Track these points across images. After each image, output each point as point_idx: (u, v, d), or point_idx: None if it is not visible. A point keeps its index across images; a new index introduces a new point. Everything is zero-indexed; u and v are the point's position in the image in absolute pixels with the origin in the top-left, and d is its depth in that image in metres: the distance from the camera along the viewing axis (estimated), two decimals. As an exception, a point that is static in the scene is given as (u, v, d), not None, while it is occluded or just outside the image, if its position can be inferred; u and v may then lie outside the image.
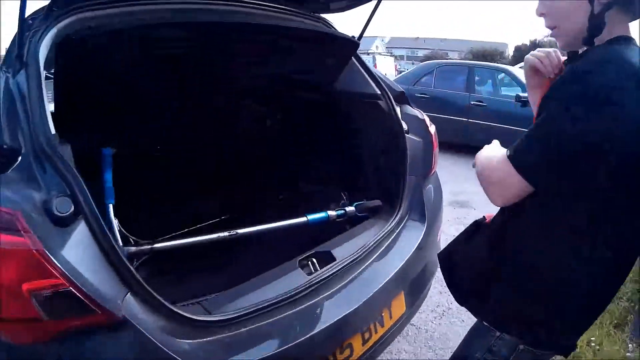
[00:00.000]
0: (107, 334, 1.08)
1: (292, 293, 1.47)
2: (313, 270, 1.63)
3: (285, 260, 1.68)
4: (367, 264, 1.70)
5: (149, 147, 2.41)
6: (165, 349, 1.13)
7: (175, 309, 1.23)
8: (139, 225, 1.89)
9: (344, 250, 1.72)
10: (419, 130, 2.15)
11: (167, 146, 2.46)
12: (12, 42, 1.53)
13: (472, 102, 7.12)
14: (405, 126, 2.07)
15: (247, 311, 1.36)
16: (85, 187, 1.11)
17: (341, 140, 2.49)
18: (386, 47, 54.22)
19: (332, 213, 2.13)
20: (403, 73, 10.46)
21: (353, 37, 2.18)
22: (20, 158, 1.11)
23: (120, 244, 1.78)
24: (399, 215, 1.92)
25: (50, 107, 1.29)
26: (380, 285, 1.62)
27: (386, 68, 16.34)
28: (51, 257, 0.97)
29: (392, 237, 1.86)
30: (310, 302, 1.49)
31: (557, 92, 0.93)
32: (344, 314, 1.48)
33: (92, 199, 1.11)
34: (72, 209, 1.05)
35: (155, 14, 1.62)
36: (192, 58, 1.98)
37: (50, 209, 1.02)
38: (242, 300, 1.43)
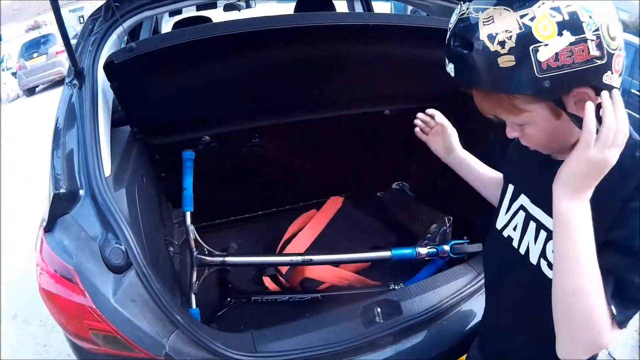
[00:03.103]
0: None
1: (340, 345, 1.67)
2: (376, 319, 1.78)
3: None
4: (434, 324, 1.82)
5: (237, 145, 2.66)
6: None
7: (218, 348, 1.55)
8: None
9: (414, 305, 1.84)
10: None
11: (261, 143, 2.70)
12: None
13: (632, 90, 6.54)
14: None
15: (289, 356, 1.63)
16: (133, 238, 1.44)
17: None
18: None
19: (421, 251, 2.28)
20: None
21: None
22: (79, 200, 1.47)
23: (195, 252, 2.19)
24: None
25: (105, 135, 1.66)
26: (439, 352, 1.76)
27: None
28: (100, 312, 1.34)
29: (476, 295, 1.92)
30: (358, 357, 1.69)
31: None
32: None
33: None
34: (124, 259, 1.41)
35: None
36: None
37: (105, 257, 1.39)
38: (290, 342, 1.68)
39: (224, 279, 2.57)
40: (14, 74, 17.80)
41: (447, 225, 2.43)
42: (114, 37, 1.90)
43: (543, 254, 1.11)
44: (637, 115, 6.30)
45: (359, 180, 3.20)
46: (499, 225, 1.31)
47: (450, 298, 1.87)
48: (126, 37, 1.93)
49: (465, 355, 1.78)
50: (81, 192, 1.49)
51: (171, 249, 2.28)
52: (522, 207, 1.22)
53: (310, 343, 1.67)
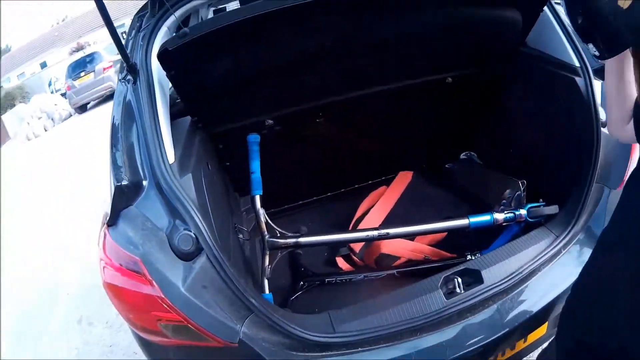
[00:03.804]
0: (223, 352, 1.45)
1: (421, 320, 1.62)
2: (457, 290, 1.73)
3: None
4: (517, 291, 1.75)
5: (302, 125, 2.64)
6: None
7: (295, 330, 1.53)
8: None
9: (495, 272, 1.77)
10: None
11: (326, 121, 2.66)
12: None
13: None
14: (603, 116, 1.99)
15: (370, 334, 1.59)
16: (202, 222, 1.43)
17: (520, 118, 2.49)
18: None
19: (498, 216, 2.19)
20: None
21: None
22: (143, 191, 1.47)
23: (267, 236, 2.17)
24: (571, 233, 1.88)
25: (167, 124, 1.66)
26: (524, 320, 1.69)
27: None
28: (169, 300, 1.34)
29: (556, 259, 1.85)
30: (440, 331, 1.64)
31: None
32: (474, 348, 1.62)
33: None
34: (194, 244, 1.40)
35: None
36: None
37: (173, 245, 1.38)
38: (370, 320, 1.64)
39: (296, 263, 2.55)
40: (63, 94, 18.82)
41: (522, 189, 2.33)
42: (164, 29, 1.89)
43: None
44: None
45: (426, 154, 3.13)
46: None
47: (531, 263, 1.79)
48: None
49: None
50: (145, 182, 1.50)
51: (240, 235, 2.28)
52: None
53: (390, 319, 1.63)
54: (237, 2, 1.91)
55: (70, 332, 3.74)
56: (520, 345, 1.82)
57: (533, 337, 1.83)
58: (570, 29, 2.11)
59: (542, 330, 1.82)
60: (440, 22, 2.09)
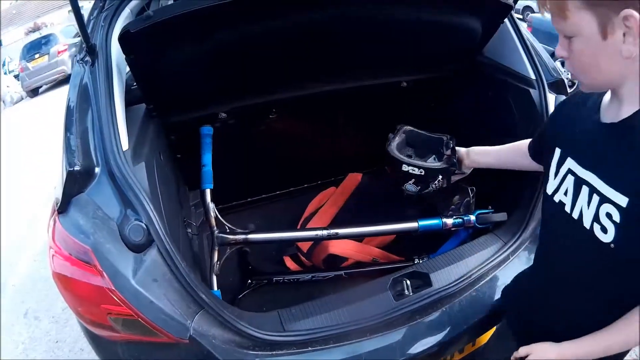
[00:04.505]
0: (173, 349, 1.41)
1: (371, 320, 1.63)
2: (405, 292, 1.74)
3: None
4: (465, 295, 1.77)
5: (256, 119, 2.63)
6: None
7: (246, 328, 1.50)
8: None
9: (443, 276, 1.80)
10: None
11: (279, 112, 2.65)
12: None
13: None
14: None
15: (319, 334, 1.58)
16: (154, 213, 1.39)
17: (475, 125, 2.51)
18: None
19: (447, 221, 2.22)
20: None
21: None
22: (95, 178, 1.42)
23: (216, 231, 2.14)
24: (520, 239, 1.92)
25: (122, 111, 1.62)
26: (472, 323, 1.72)
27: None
28: (120, 293, 1.29)
29: (505, 265, 1.87)
30: (390, 332, 1.64)
31: None
32: (423, 349, 1.62)
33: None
34: (145, 236, 1.35)
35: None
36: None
37: (124, 235, 1.33)
38: (319, 319, 1.64)
39: (244, 261, 2.52)
40: (16, 76, 17.98)
41: (471, 195, 2.37)
42: (127, 11, 1.85)
43: (596, 218, 1.09)
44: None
45: (377, 156, 3.15)
46: (549, 190, 1.29)
47: (479, 268, 1.83)
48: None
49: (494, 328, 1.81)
50: (97, 169, 1.44)
51: (189, 230, 2.23)
52: (570, 171, 1.21)
53: (340, 319, 1.63)
54: None
55: (16, 325, 3.59)
56: (469, 348, 1.86)
57: (482, 340, 1.87)
58: (528, 42, 2.17)
59: (490, 333, 1.86)
60: (399, 24, 2.11)
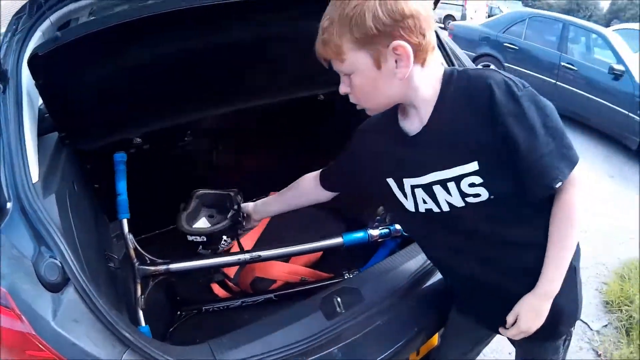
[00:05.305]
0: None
1: (305, 343, 1.60)
2: (337, 310, 1.72)
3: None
4: (401, 305, 1.77)
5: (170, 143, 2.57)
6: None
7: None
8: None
9: (375, 288, 1.80)
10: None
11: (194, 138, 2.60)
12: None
13: (562, 64, 7.35)
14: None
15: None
16: (67, 249, 1.32)
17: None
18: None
19: (373, 232, 2.24)
20: (495, 16, 10.62)
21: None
22: (7, 214, 1.32)
23: (136, 263, 2.06)
24: None
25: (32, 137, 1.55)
26: (413, 333, 1.72)
27: (476, 7, 16.74)
28: (41, 337, 1.20)
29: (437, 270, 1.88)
30: (326, 352, 1.61)
31: None
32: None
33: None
34: (60, 274, 1.28)
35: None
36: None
37: (39, 274, 1.25)
38: (252, 347, 1.59)
39: (171, 293, 2.43)
40: None
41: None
42: (38, 34, 1.76)
43: (464, 195, 1.28)
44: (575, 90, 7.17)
45: (299, 172, 3.14)
46: (410, 208, 1.42)
47: (412, 276, 1.85)
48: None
49: (441, 329, 1.85)
50: (9, 204, 1.35)
51: (111, 264, 2.13)
52: (414, 187, 1.36)
53: (273, 345, 1.60)
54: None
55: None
56: (414, 358, 1.87)
57: (425, 349, 1.90)
58: (447, 47, 2.22)
59: (434, 341, 1.90)
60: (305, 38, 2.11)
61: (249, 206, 2.07)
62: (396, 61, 1.16)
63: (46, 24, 1.78)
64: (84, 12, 1.93)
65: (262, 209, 2.06)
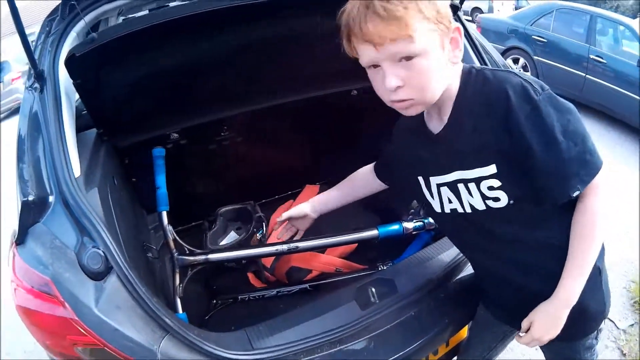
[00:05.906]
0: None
1: (340, 331, 1.64)
2: (372, 300, 1.76)
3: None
4: (433, 297, 1.79)
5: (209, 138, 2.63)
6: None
7: (213, 349, 1.49)
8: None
9: (408, 280, 1.82)
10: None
11: (232, 134, 2.67)
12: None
13: (591, 56, 7.11)
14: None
15: (289, 349, 1.58)
16: (110, 239, 1.38)
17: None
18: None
19: (407, 225, 2.25)
20: (522, 9, 10.25)
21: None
22: (49, 207, 1.39)
23: (175, 253, 2.11)
24: None
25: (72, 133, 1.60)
26: (443, 325, 1.74)
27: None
28: (83, 322, 1.26)
29: (469, 264, 1.88)
30: (359, 341, 1.65)
31: None
32: (396, 356, 1.63)
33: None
34: (103, 263, 1.33)
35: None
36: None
37: (82, 263, 1.31)
38: (287, 334, 1.63)
39: (208, 282, 2.49)
40: None
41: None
42: (72, 34, 1.82)
43: (484, 197, 1.27)
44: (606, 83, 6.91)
45: (333, 166, 3.16)
46: (437, 209, 1.45)
47: (444, 269, 1.86)
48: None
49: (470, 322, 1.84)
50: (51, 198, 1.41)
51: (149, 254, 2.20)
52: (440, 185, 1.38)
53: (308, 333, 1.63)
54: (147, 11, 1.85)
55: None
56: (443, 349, 1.88)
57: (455, 341, 1.90)
58: (477, 42, 2.21)
59: (463, 333, 1.90)
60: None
61: (306, 208, 2.01)
62: (451, 43, 1.14)
63: (80, 24, 1.83)
64: (113, 12, 1.99)
65: (320, 207, 2.01)
